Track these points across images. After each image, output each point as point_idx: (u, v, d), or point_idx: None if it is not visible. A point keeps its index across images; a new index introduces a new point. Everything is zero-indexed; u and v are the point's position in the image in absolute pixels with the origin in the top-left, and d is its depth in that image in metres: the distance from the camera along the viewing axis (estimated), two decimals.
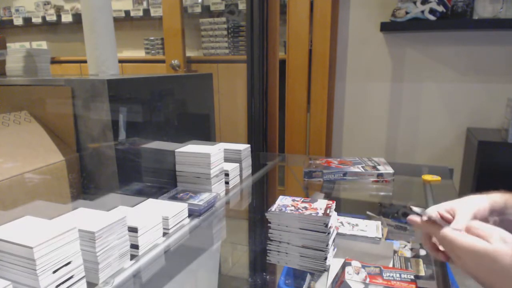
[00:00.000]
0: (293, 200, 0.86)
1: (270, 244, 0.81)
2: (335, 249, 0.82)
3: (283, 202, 0.85)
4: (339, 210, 0.93)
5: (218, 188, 1.16)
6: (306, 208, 0.81)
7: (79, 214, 0.75)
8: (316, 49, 2.07)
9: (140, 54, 3.16)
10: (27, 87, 1.00)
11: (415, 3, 1.84)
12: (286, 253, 0.80)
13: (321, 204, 0.83)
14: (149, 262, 0.79)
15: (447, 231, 0.55)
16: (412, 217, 0.62)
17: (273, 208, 0.82)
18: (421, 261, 0.79)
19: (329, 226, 0.76)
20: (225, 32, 2.70)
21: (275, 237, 0.80)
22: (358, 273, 0.65)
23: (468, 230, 0.54)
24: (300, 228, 0.78)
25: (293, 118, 2.17)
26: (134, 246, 0.79)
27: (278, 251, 0.81)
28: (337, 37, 2.14)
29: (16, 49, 2.20)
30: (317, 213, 0.78)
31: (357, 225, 0.92)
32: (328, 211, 0.78)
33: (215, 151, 1.12)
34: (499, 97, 1.91)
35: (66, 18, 3.25)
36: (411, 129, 2.12)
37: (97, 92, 0.90)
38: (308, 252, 0.78)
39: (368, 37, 2.09)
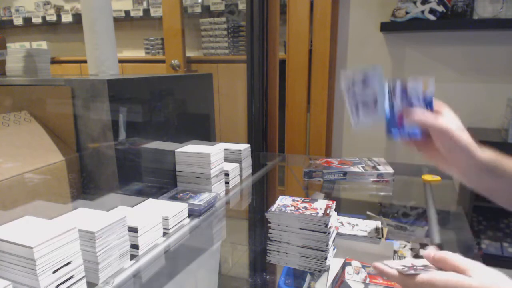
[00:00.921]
0: (293, 200, 0.86)
1: (270, 244, 0.81)
2: (335, 249, 0.82)
3: (283, 202, 0.85)
4: (339, 210, 0.93)
5: (218, 188, 1.16)
6: (306, 208, 0.81)
7: (79, 214, 0.75)
8: (316, 49, 2.07)
9: (140, 54, 3.16)
10: (27, 87, 1.00)
11: (415, 3, 1.84)
12: (286, 253, 0.80)
13: (321, 204, 0.83)
14: (149, 262, 0.79)
15: (422, 275, 0.49)
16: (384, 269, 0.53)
17: (273, 208, 0.82)
18: None
19: (329, 226, 0.76)
20: (225, 32, 2.70)
21: (275, 237, 0.80)
22: (358, 273, 0.65)
23: (445, 263, 0.50)
24: (300, 228, 0.78)
25: (293, 118, 2.17)
26: (134, 246, 0.79)
27: (278, 251, 0.81)
28: (337, 37, 2.14)
29: (16, 49, 2.20)
30: (317, 213, 0.78)
31: (357, 225, 0.92)
32: (328, 211, 0.78)
33: (215, 151, 1.12)
34: (499, 97, 1.90)
35: (66, 18, 3.25)
36: None
37: (97, 92, 0.90)
38: (308, 252, 0.78)
39: (368, 37, 2.09)
